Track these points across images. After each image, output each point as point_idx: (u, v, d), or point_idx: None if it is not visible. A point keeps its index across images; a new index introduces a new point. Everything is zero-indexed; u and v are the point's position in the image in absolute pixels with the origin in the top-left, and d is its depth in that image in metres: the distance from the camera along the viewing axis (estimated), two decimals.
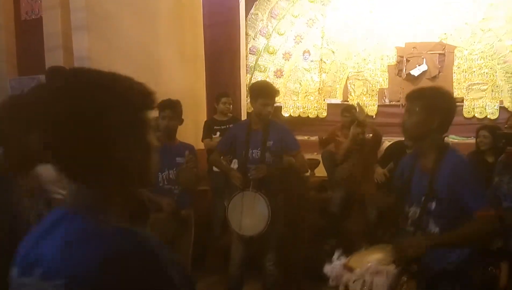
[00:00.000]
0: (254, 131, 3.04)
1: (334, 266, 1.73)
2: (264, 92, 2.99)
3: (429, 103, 1.76)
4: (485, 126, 3.92)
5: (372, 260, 1.70)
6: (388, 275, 1.60)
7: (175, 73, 5.26)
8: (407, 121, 1.79)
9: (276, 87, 3.21)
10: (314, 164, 4.86)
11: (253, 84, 3.21)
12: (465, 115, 5.98)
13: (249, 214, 2.92)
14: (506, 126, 4.07)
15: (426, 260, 1.68)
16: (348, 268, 1.70)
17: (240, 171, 3.03)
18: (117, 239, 0.73)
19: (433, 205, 1.76)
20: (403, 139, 3.60)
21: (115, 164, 0.79)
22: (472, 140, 4.06)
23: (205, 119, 5.12)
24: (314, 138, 5.39)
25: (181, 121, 3.07)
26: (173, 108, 2.96)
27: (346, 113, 4.96)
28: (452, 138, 5.69)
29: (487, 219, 1.66)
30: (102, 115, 0.76)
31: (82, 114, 0.75)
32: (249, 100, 3.19)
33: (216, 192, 4.30)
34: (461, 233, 1.68)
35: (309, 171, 4.59)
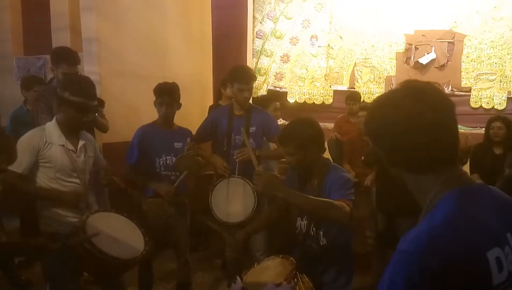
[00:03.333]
0: (236, 117, 3.00)
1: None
2: (240, 77, 2.93)
3: (300, 142, 1.90)
4: (498, 117, 3.82)
5: (267, 278, 1.80)
6: None
7: (182, 56, 5.23)
8: (292, 161, 1.94)
9: (253, 72, 3.12)
10: None
11: (232, 68, 3.08)
12: (472, 105, 5.93)
13: (236, 201, 2.83)
14: None
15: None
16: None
17: (224, 157, 2.96)
18: None
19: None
20: None
21: None
22: (479, 131, 4.01)
23: (211, 103, 5.10)
24: (321, 125, 5.35)
25: (179, 106, 2.95)
26: (171, 94, 2.84)
27: (350, 100, 4.95)
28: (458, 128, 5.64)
29: (342, 206, 1.79)
30: None
31: None
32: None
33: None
34: (316, 201, 1.79)
35: None
